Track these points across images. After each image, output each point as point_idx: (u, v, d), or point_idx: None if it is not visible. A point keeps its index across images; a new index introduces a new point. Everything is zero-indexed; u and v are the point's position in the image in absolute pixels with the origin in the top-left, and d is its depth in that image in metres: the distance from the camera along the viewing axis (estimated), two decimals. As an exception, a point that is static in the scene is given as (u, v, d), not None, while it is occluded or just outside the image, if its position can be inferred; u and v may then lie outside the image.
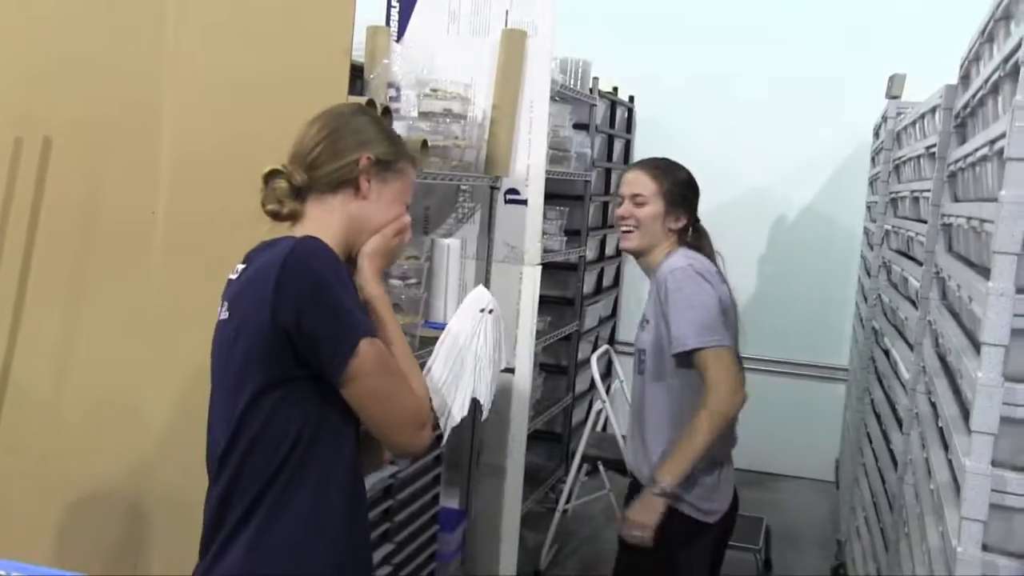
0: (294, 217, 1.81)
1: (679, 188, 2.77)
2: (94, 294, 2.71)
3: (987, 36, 2.13)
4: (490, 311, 1.97)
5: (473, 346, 1.94)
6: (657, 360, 2.66)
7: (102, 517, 2.70)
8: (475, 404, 1.99)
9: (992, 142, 1.87)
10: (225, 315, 1.73)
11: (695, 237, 2.80)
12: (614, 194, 5.83)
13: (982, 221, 1.89)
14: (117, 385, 2.67)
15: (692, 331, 2.53)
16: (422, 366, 1.93)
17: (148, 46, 2.63)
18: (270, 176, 1.82)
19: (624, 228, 2.77)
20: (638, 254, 2.79)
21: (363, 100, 2.71)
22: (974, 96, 2.24)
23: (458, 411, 1.94)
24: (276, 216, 1.81)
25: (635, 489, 2.81)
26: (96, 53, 2.70)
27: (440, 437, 3.30)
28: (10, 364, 2.78)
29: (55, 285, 2.74)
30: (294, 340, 1.63)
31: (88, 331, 2.72)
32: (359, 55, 3.43)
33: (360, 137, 1.82)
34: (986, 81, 2.04)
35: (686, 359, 2.57)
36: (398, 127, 3.17)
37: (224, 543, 1.71)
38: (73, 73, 2.72)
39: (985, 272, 1.72)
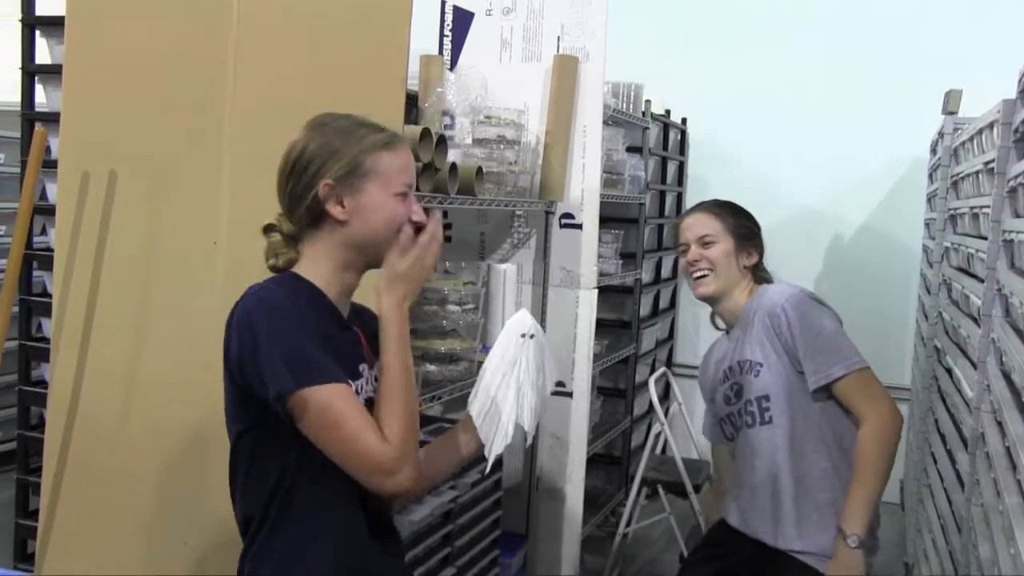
0: (290, 266, 1.79)
1: (745, 222, 2.66)
2: (158, 323, 2.75)
3: (1045, 49, 2.09)
4: (531, 336, 1.92)
5: (515, 373, 1.90)
6: (789, 400, 2.47)
7: (166, 542, 2.73)
8: (520, 430, 1.96)
9: (1052, 156, 1.83)
10: None
11: (765, 275, 2.68)
12: (669, 217, 5.82)
13: (1044, 236, 1.85)
14: (181, 413, 2.70)
15: (833, 358, 2.38)
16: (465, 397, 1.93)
17: (209, 80, 2.67)
18: (266, 230, 1.81)
19: (698, 274, 2.61)
20: (716, 299, 2.64)
21: (418, 129, 2.74)
22: (1033, 110, 2.20)
23: (501, 440, 1.89)
24: (275, 270, 1.79)
25: (728, 543, 2.64)
26: (158, 88, 2.75)
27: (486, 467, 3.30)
28: (79, 392, 2.83)
29: (121, 315, 2.79)
30: (244, 390, 1.65)
31: (153, 360, 2.75)
32: (413, 84, 3.46)
33: (316, 163, 1.73)
34: (1044, 95, 2.01)
35: (825, 391, 2.41)
36: (453, 155, 3.19)
37: (240, 566, 1.79)
38: (137, 109, 2.78)
39: (1049, 288, 1.68)
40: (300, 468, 1.69)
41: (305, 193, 1.73)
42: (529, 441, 1.97)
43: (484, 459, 1.92)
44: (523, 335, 1.92)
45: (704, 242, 2.61)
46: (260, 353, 1.60)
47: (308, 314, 1.68)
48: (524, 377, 1.91)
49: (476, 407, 1.89)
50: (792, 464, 2.47)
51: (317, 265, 1.76)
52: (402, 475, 1.62)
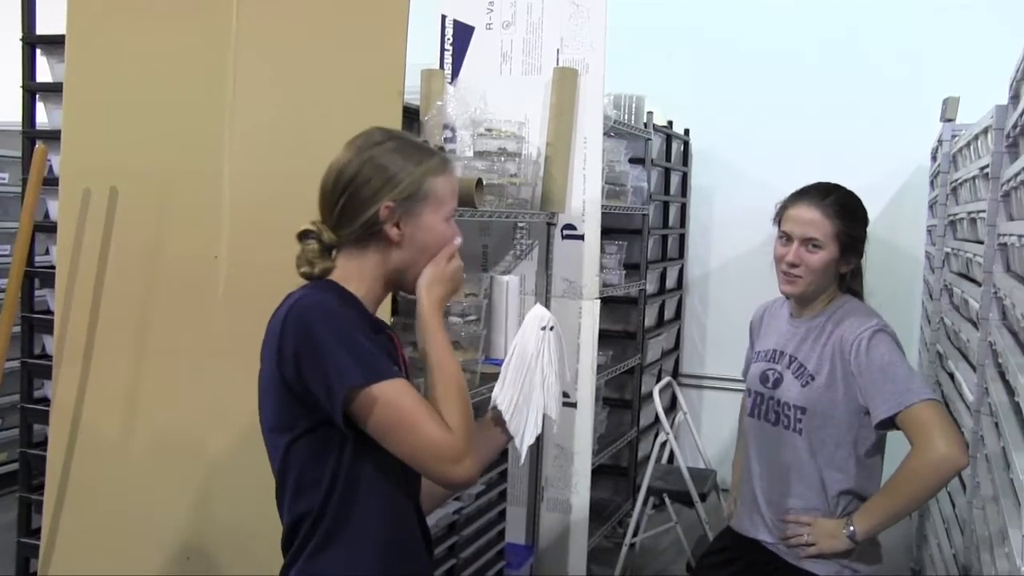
0: (326, 275, 1.80)
1: (855, 230, 2.44)
2: (160, 338, 2.78)
3: (1033, 54, 2.12)
4: (551, 328, 1.97)
5: (539, 365, 1.94)
6: (825, 422, 2.39)
7: (169, 557, 2.76)
8: (546, 421, 1.99)
9: (1039, 159, 1.86)
10: (260, 364, 1.76)
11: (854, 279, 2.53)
12: (673, 228, 5.85)
13: (1033, 238, 1.88)
14: (182, 426, 2.73)
15: (904, 385, 2.27)
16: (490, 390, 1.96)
17: (208, 96, 2.71)
18: (302, 236, 1.81)
19: (792, 272, 2.44)
20: (801, 296, 2.51)
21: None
22: (1022, 115, 2.23)
23: (531, 431, 1.93)
24: (308, 278, 1.80)
25: (736, 547, 2.61)
26: (158, 105, 2.80)
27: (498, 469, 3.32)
28: (81, 408, 2.86)
29: (122, 330, 2.82)
30: (299, 394, 1.67)
31: (154, 374, 2.79)
32: (415, 98, 3.50)
33: (379, 179, 1.75)
34: (1032, 99, 2.04)
35: (888, 424, 2.30)
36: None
37: (286, 566, 1.79)
38: (136, 126, 2.82)
39: (1038, 289, 1.71)
40: (354, 472, 1.71)
41: (360, 211, 1.75)
42: (556, 429, 2.00)
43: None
44: (543, 328, 1.96)
45: (810, 245, 2.42)
46: (321, 352, 1.63)
47: (357, 317, 1.73)
48: (548, 368, 1.95)
49: (504, 402, 1.92)
50: (813, 476, 2.44)
51: (358, 280, 1.79)
52: (469, 462, 1.66)
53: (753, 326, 2.77)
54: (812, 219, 2.41)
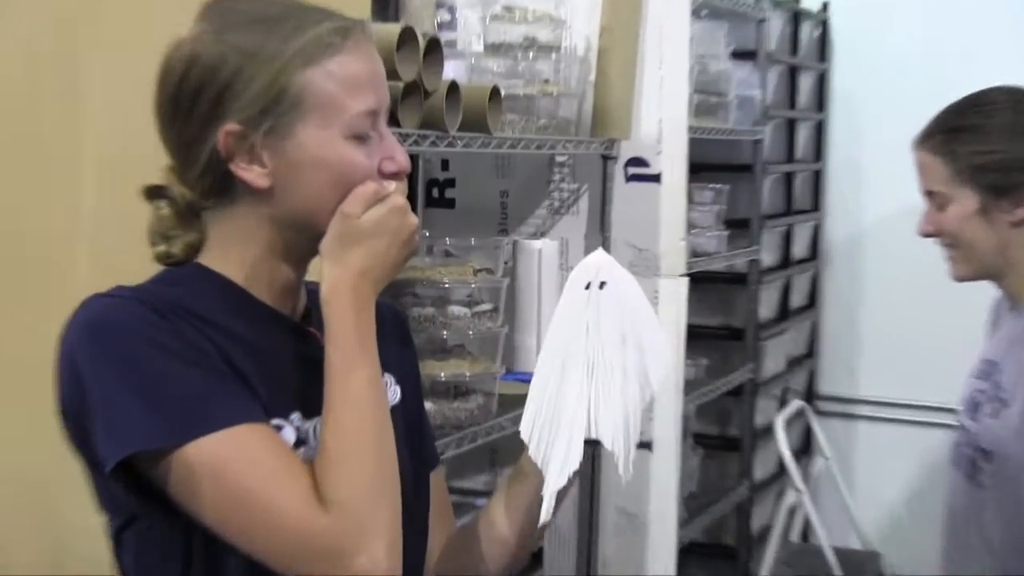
0: (193, 256, 1.66)
1: (992, 153, 2.43)
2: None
3: None
4: (601, 284, 1.74)
5: (580, 350, 1.71)
6: (1021, 479, 2.38)
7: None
8: (600, 452, 1.74)
9: None
10: None
11: None
12: (803, 161, 5.82)
13: None
14: (29, 454, 2.76)
15: None
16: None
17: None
18: (149, 195, 1.67)
19: (943, 250, 2.53)
20: (985, 279, 2.53)
21: (395, 30, 2.75)
22: None
23: (558, 465, 1.66)
24: (165, 260, 1.66)
25: None
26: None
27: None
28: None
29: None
30: (92, 461, 1.54)
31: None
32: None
33: (212, 89, 1.56)
34: None
35: None
36: (453, 69, 3.19)
37: None
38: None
39: None
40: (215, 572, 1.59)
41: (199, 142, 1.58)
42: (623, 475, 1.69)
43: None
44: (587, 286, 1.77)
45: (936, 202, 2.50)
46: (91, 405, 1.49)
47: (205, 321, 1.56)
48: (597, 356, 1.71)
49: (527, 417, 1.73)
50: (995, 560, 2.44)
51: (236, 257, 1.64)
52: (364, 558, 1.46)
53: (986, 322, 2.73)
54: (923, 163, 2.53)
